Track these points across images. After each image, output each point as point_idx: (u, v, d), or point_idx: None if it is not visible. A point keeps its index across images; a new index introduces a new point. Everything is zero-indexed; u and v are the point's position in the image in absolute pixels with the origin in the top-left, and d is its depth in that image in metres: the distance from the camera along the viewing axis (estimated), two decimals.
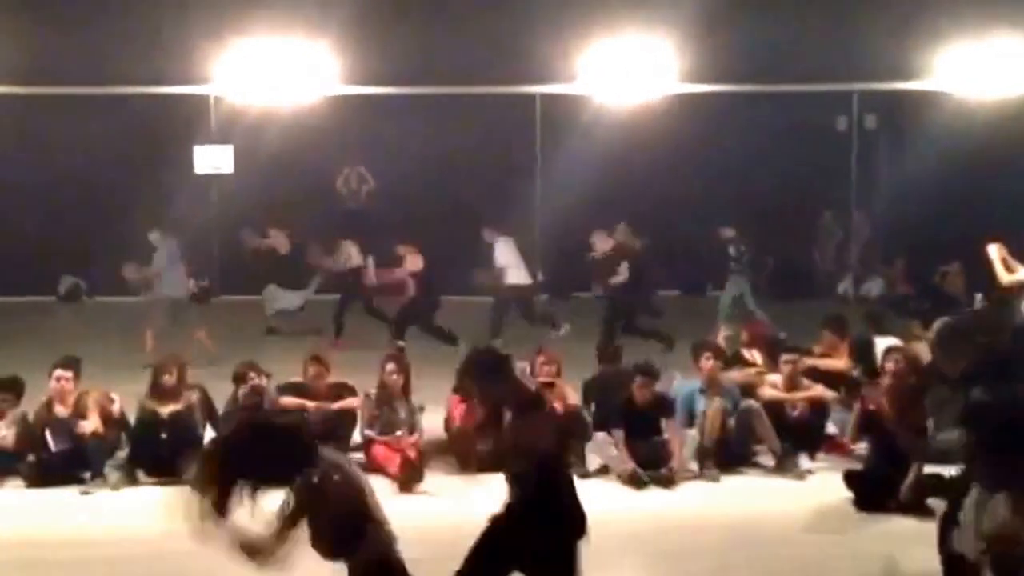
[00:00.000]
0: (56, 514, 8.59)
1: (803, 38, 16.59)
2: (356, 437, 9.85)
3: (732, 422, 9.56)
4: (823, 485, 9.20)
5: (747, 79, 16.60)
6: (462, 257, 15.77)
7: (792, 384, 9.94)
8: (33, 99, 16.47)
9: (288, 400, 9.82)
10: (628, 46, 15.70)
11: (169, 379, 9.60)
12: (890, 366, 9.09)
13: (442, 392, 10.17)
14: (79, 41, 16.36)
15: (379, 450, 9.52)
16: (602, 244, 14.96)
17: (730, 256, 15.24)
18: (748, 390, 9.94)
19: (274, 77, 15.51)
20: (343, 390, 10.00)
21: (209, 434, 9.55)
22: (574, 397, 10.05)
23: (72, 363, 9.72)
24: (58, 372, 9.57)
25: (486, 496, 8.65)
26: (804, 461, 9.59)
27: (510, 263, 14.86)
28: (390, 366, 9.89)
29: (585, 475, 9.21)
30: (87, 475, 9.23)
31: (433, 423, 10.04)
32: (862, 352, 10.65)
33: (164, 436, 9.34)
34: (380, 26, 16.35)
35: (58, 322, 16.75)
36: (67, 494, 9.01)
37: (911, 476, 8.43)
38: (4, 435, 9.31)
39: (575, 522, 5.55)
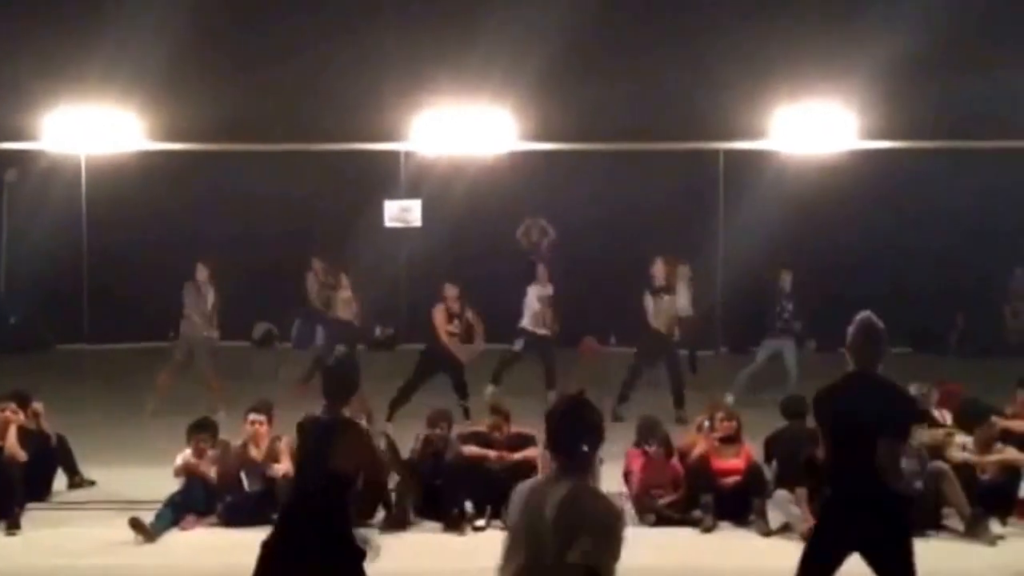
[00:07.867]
0: (247, 554, 8.86)
1: (998, 95, 16.11)
2: None
3: (920, 484, 9.33)
4: (1015, 551, 8.88)
5: (939, 136, 16.23)
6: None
7: (985, 447, 9.64)
8: (237, 155, 17.28)
9: (470, 449, 9.98)
10: (814, 104, 15.61)
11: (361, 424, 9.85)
12: None
13: (619, 445, 10.20)
14: (279, 102, 17.16)
15: None
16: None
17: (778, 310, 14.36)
18: (937, 451, 9.69)
19: (461, 134, 15.92)
20: (523, 440, 10.08)
21: (394, 479, 9.79)
22: (754, 453, 9.96)
23: (265, 407, 10.11)
24: (252, 416, 9.98)
25: (665, 547, 8.60)
26: (995, 526, 9.28)
27: None
28: None
29: (768, 533, 9.11)
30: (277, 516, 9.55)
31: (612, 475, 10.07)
32: None
33: None
34: (563, 85, 16.59)
35: (252, 366, 17.15)
36: (259, 535, 9.29)
37: None
38: (209, 470, 9.76)
39: None
